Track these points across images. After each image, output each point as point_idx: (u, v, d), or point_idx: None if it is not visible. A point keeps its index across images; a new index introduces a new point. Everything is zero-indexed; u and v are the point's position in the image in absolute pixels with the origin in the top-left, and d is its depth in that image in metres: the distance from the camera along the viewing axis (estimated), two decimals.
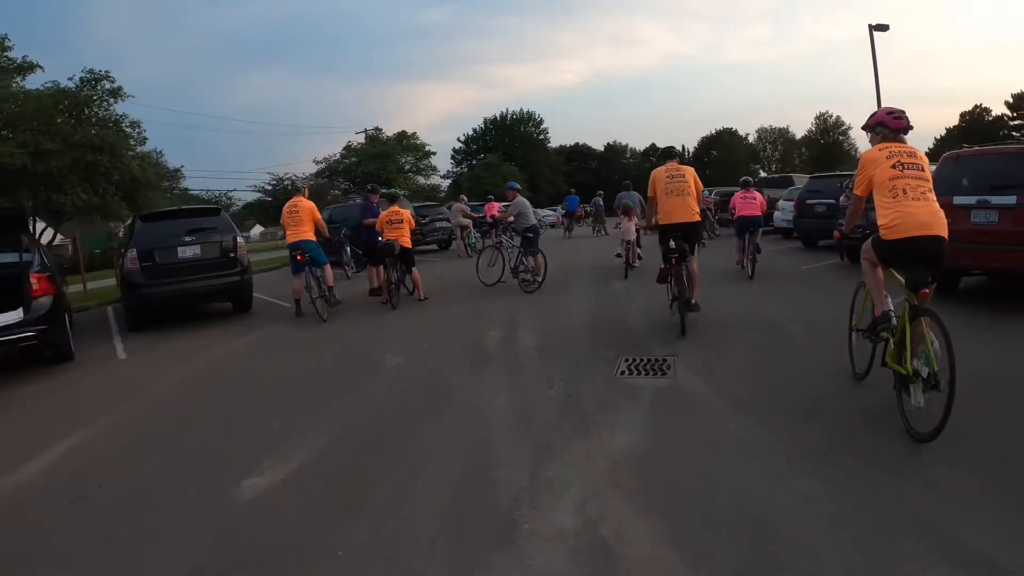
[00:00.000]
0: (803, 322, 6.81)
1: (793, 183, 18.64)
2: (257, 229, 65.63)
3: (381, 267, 10.25)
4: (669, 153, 7.54)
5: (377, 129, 48.51)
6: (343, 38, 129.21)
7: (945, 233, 3.74)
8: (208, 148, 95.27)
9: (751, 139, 78.59)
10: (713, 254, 13.51)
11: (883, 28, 22.23)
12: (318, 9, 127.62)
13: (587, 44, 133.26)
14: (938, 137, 57.99)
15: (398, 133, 47.44)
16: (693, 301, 6.73)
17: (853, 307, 4.83)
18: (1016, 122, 61.58)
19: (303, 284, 9.43)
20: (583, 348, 6.39)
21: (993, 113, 64.21)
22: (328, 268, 9.55)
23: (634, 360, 5.70)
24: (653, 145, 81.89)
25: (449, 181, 69.27)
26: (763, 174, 73.73)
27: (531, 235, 10.54)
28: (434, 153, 50.02)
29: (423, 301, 10.05)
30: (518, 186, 11.39)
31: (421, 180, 49.27)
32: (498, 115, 74.65)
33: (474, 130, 75.44)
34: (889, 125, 4.10)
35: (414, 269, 10.24)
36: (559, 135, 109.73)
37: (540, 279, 10.25)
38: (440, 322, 8.44)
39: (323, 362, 6.82)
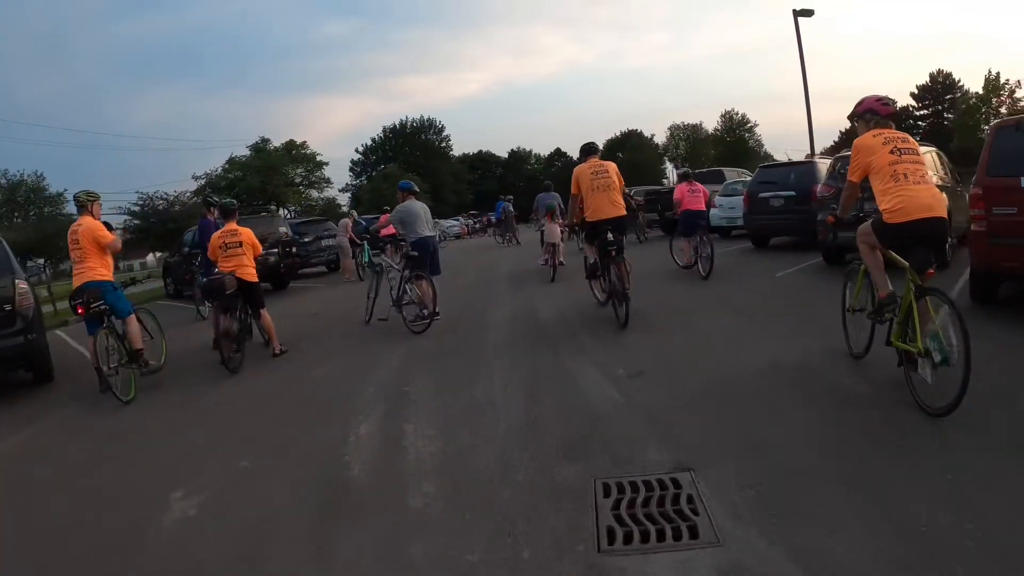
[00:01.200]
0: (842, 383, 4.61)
1: (725, 178, 16.92)
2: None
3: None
4: (590, 149, 7.45)
5: (264, 140, 44.69)
6: (242, 53, 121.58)
7: (946, 215, 3.85)
8: (103, 168, 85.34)
9: (658, 139, 78.97)
10: (646, 259, 11.29)
11: (807, 13, 21.09)
12: (219, 23, 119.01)
13: (490, 54, 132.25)
14: (843, 131, 59.49)
15: (286, 143, 43.85)
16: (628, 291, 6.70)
17: (846, 289, 4.87)
18: (922, 112, 64.48)
19: (101, 345, 6.18)
20: (526, 465, 3.55)
21: (898, 104, 66.74)
22: (132, 321, 6.44)
23: (621, 492, 3.09)
24: (558, 150, 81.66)
25: (348, 195, 65.93)
26: (676, 172, 74.95)
27: (416, 254, 7.80)
28: (326, 164, 46.65)
29: (279, 356, 7.15)
30: (412, 186, 8.40)
31: (315, 194, 45.86)
32: (397, 123, 71.44)
33: (373, 140, 71.87)
34: (879, 111, 4.13)
35: (263, 312, 7.30)
36: (463, 144, 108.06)
37: (428, 313, 7.48)
38: (289, 403, 5.45)
39: (59, 506, 3.83)
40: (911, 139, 4.00)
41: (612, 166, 7.22)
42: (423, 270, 7.62)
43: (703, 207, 10.04)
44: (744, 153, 65.82)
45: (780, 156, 67.99)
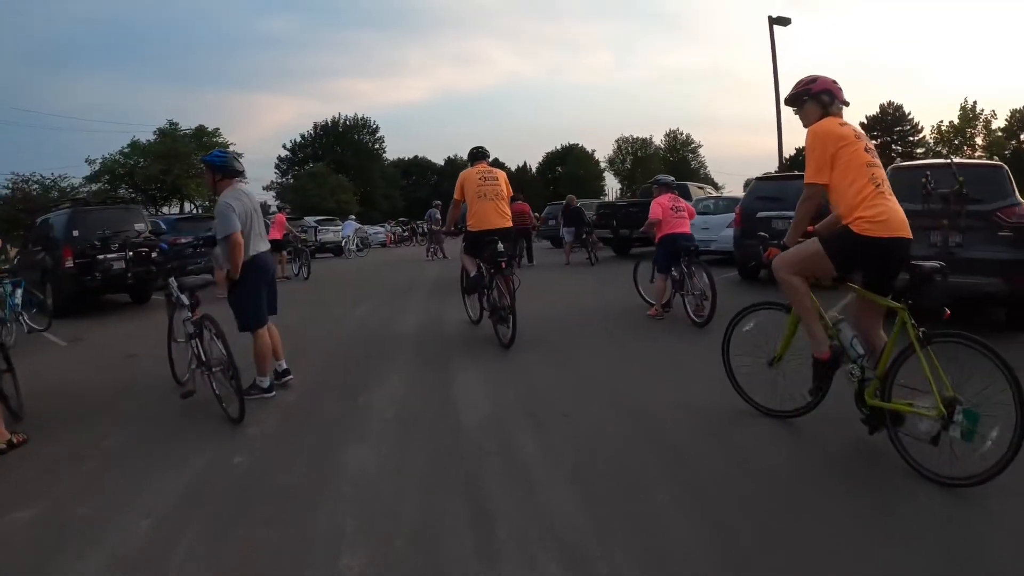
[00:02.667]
0: None
1: (690, 193, 14.37)
2: None
3: None
4: (479, 153, 6.93)
5: (172, 124, 39.85)
6: (175, 41, 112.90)
7: None
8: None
9: (599, 155, 77.83)
10: (600, 288, 8.57)
11: (784, 22, 19.11)
12: (153, 9, 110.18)
13: (433, 63, 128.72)
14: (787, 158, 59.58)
15: (196, 128, 39.01)
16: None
17: (730, 336, 4.06)
18: (873, 141, 65.22)
19: None
20: None
21: None
22: None
23: None
24: (495, 159, 79.04)
25: (273, 193, 61.42)
26: (618, 189, 73.86)
27: (189, 285, 4.76)
28: (240, 155, 42.29)
29: (16, 447, 4.00)
30: (230, 160, 4.88)
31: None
32: (329, 120, 67.21)
33: (302, 136, 67.36)
34: (837, 96, 3.42)
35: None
36: (400, 149, 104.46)
37: (262, 380, 4.74)
38: None
39: None
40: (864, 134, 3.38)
41: (502, 174, 6.73)
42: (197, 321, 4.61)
43: (689, 229, 7.47)
44: (687, 174, 65.25)
45: (723, 180, 68.11)
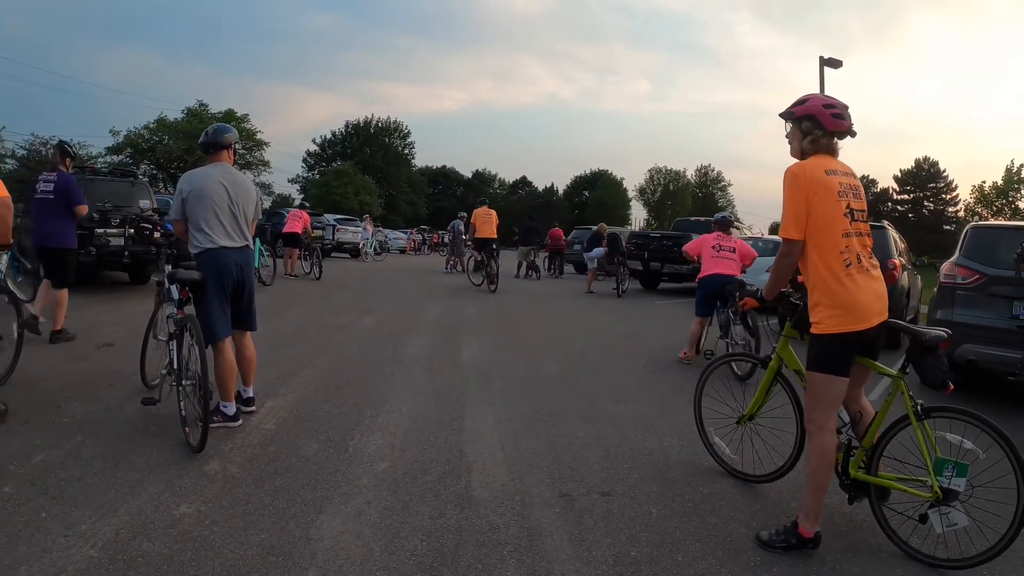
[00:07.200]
0: None
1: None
2: None
3: None
4: (484, 202, 15.01)
5: (202, 104, 39.56)
6: (222, 27, 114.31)
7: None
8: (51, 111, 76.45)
9: (628, 184, 77.40)
10: (628, 320, 7.69)
11: (835, 64, 18.25)
12: None
13: (473, 75, 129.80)
14: None
15: (225, 111, 38.69)
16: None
17: (702, 387, 3.75)
18: (902, 196, 64.21)
19: None
20: None
21: (879, 186, 66.69)
22: None
23: None
24: (523, 178, 79.60)
25: (297, 187, 61.27)
26: (645, 219, 73.21)
27: (197, 277, 3.88)
28: (266, 144, 42.01)
29: None
30: (225, 133, 4.18)
31: (250, 177, 40.54)
32: (362, 121, 67.01)
33: (333, 133, 67.23)
34: (825, 124, 2.72)
35: None
36: (428, 157, 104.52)
37: (228, 405, 3.96)
38: None
39: None
40: (858, 181, 2.81)
41: (494, 212, 14.15)
42: (214, 318, 3.91)
43: (736, 272, 6.70)
44: (713, 211, 64.81)
45: (751, 221, 67.33)
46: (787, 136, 2.89)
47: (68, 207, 6.30)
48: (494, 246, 13.39)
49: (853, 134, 2.83)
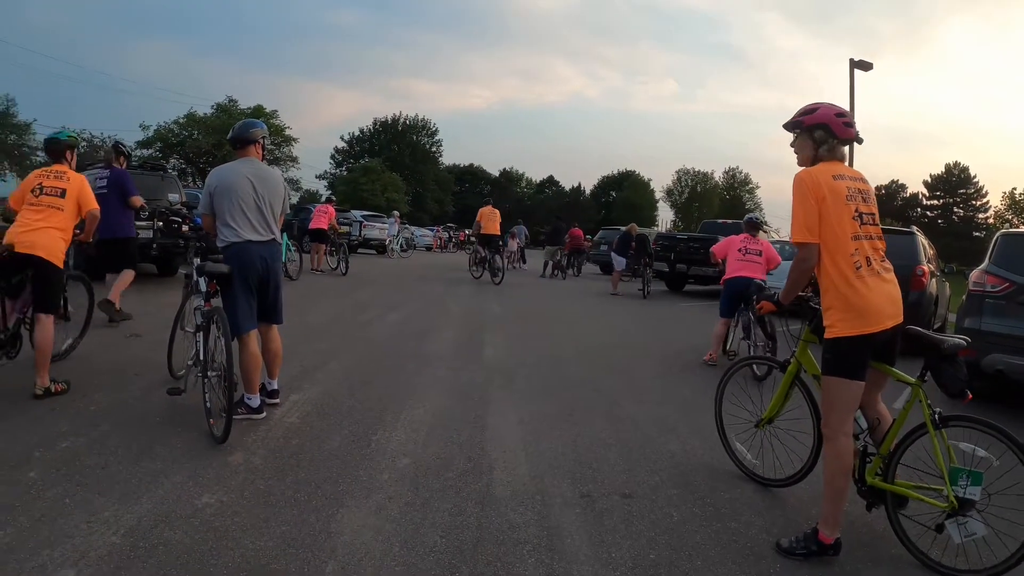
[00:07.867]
0: None
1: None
2: None
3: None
4: (489, 201, 15.64)
5: (231, 100, 40.20)
6: (250, 23, 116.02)
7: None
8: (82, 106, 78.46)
9: (655, 185, 76.84)
10: (647, 321, 7.60)
11: (866, 67, 17.92)
12: None
13: (500, 73, 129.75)
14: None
15: (255, 107, 39.31)
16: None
17: (722, 391, 3.69)
18: (931, 202, 62.98)
19: None
20: None
21: (909, 191, 65.53)
22: None
23: None
24: (551, 177, 79.44)
25: (325, 183, 61.93)
26: (672, 220, 72.70)
27: (226, 270, 3.89)
28: (295, 140, 42.42)
29: (42, 397, 3.85)
30: (252, 129, 4.21)
31: (278, 172, 40.79)
32: (389, 118, 67.42)
33: (361, 130, 67.78)
34: (836, 132, 2.75)
35: (44, 319, 4.28)
36: (455, 155, 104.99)
37: (253, 397, 3.97)
38: None
39: None
40: (869, 185, 2.83)
41: (497, 212, 14.90)
42: (241, 310, 3.94)
43: (761, 275, 6.63)
44: (740, 214, 64.07)
45: (777, 224, 66.46)
46: (792, 146, 2.91)
47: (123, 199, 6.81)
48: (500, 242, 15.01)
49: (860, 140, 2.92)
